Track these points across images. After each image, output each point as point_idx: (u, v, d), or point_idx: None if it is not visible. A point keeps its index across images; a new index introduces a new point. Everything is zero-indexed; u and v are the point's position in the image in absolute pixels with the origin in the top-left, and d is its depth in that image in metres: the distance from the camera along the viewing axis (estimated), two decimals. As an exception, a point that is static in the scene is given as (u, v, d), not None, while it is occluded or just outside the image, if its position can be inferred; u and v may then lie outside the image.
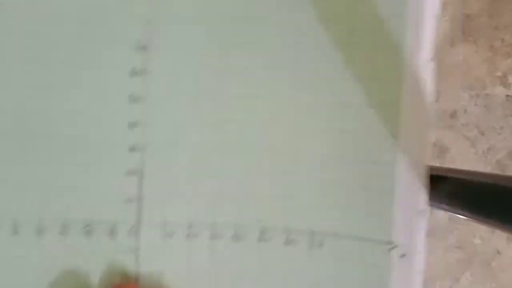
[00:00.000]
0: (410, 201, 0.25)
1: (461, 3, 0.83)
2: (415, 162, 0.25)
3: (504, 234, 0.82)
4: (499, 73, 0.84)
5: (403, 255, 0.25)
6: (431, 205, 0.26)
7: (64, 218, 0.25)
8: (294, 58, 0.26)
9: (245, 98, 0.26)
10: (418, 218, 0.25)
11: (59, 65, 0.26)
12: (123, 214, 0.26)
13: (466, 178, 0.26)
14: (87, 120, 0.26)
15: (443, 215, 0.84)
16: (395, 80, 0.26)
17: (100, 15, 0.26)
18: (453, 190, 0.26)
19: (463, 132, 0.84)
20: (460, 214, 0.25)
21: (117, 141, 0.26)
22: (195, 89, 0.26)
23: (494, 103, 0.84)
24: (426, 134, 0.26)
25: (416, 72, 0.26)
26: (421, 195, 0.25)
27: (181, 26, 0.26)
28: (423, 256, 0.25)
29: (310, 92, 0.26)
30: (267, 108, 0.26)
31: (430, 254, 0.85)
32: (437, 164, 0.85)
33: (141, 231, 0.25)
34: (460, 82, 0.84)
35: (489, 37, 0.83)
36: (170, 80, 0.26)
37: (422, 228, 0.25)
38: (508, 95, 0.84)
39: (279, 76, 0.26)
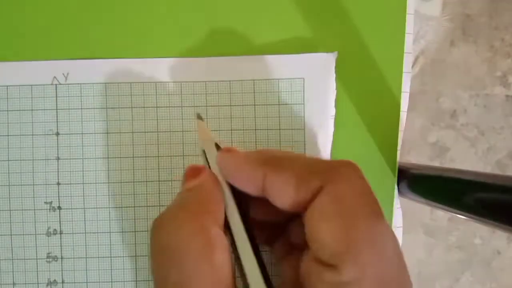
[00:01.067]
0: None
1: (461, 3, 0.83)
2: None
3: (505, 234, 0.81)
4: (499, 73, 0.84)
5: None
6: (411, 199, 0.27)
7: None
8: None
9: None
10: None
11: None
12: None
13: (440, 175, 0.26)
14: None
15: (443, 215, 0.84)
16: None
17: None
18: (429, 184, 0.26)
19: (463, 132, 0.84)
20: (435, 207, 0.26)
21: None
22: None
23: (494, 103, 0.84)
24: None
25: None
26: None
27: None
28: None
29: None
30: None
31: (430, 254, 0.85)
32: (437, 164, 0.85)
33: None
34: (460, 82, 0.84)
35: (489, 37, 0.83)
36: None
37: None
38: (508, 95, 0.84)
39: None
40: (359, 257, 0.17)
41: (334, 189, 0.18)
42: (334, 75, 0.27)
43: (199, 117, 0.25)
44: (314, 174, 0.19)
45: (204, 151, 0.23)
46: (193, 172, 0.21)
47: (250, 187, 0.20)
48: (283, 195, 0.19)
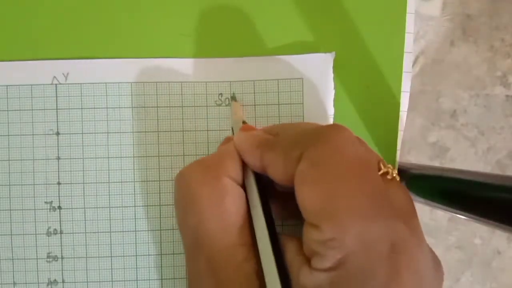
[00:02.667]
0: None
1: (461, 3, 0.83)
2: None
3: (505, 234, 0.82)
4: (499, 73, 0.84)
5: None
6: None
7: None
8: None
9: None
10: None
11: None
12: None
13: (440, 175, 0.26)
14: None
15: (443, 215, 0.84)
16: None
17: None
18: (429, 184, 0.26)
19: (463, 132, 0.84)
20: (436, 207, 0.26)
21: None
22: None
23: (494, 103, 0.84)
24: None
25: None
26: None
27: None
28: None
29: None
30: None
31: (430, 254, 0.85)
32: (437, 164, 0.85)
33: None
34: (460, 82, 0.84)
35: (489, 37, 0.83)
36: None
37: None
38: (508, 95, 0.84)
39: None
40: (337, 215, 0.17)
41: (311, 154, 0.19)
42: (332, 75, 0.27)
43: (234, 98, 0.26)
44: (297, 144, 0.20)
45: (232, 129, 0.24)
46: (224, 141, 0.25)
47: (254, 167, 0.21)
48: (276, 171, 0.20)
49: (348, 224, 0.17)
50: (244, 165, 0.22)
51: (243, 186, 0.22)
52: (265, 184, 0.22)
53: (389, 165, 0.20)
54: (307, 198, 0.18)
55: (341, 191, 0.18)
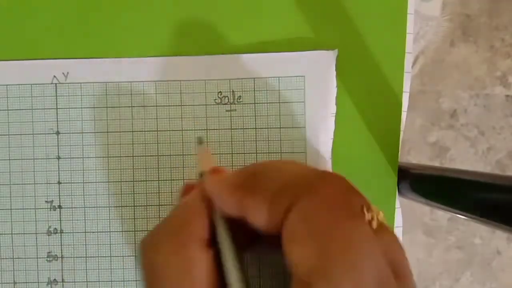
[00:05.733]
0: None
1: (461, 3, 0.83)
2: None
3: (505, 234, 0.82)
4: (499, 73, 0.84)
5: None
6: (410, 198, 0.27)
7: None
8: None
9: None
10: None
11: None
12: None
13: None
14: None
15: (443, 215, 0.84)
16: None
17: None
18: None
19: (463, 132, 0.84)
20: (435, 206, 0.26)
21: None
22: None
23: (494, 103, 0.84)
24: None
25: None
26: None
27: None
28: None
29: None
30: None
31: (430, 254, 0.85)
32: (437, 164, 0.85)
33: None
34: (460, 82, 0.84)
35: (489, 37, 0.83)
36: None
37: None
38: (508, 95, 0.84)
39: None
40: (330, 273, 0.17)
41: (302, 206, 0.18)
42: (335, 72, 0.27)
43: (200, 141, 0.25)
44: (285, 192, 0.18)
45: (201, 174, 0.23)
46: (185, 191, 0.23)
47: (230, 212, 0.20)
48: (258, 218, 0.19)
49: (342, 283, 0.16)
50: (215, 215, 0.20)
51: (213, 239, 0.20)
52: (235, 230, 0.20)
53: (374, 208, 0.19)
54: (299, 254, 0.17)
55: (333, 248, 0.17)
